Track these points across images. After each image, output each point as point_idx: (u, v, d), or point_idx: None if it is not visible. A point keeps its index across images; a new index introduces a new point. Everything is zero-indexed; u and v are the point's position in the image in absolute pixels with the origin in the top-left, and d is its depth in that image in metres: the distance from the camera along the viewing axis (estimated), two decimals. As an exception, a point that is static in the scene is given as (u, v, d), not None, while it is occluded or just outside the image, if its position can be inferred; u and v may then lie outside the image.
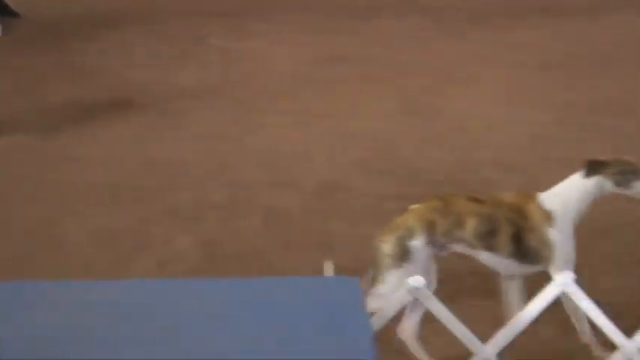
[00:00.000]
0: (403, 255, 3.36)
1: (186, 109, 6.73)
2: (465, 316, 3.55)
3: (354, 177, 5.39)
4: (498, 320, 3.19)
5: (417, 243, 3.36)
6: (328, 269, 3.48)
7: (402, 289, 2.29)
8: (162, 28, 9.64)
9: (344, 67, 8.03)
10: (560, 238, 3.42)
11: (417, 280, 2.29)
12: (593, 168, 3.57)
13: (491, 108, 6.81)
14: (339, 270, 3.58)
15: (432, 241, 3.39)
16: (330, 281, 2.27)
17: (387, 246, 3.40)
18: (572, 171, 3.75)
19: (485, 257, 3.48)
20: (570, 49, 8.67)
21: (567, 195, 3.61)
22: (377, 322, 2.25)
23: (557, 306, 3.13)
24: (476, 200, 3.52)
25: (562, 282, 2.39)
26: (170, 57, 8.37)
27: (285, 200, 5.04)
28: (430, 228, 3.41)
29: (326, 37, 9.33)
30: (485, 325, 3.12)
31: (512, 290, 3.50)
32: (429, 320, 3.14)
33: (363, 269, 4.31)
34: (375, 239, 3.47)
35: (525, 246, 3.41)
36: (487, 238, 3.44)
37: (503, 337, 2.37)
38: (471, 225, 3.42)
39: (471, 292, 4.08)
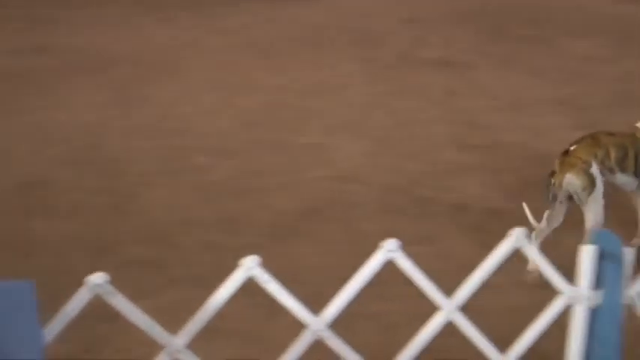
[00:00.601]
0: (591, 182, 4.29)
1: None
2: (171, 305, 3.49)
3: (59, 171, 5.13)
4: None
5: (596, 170, 4.30)
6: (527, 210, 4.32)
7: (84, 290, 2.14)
8: None
9: (47, 58, 7.67)
10: None
11: (100, 277, 2.15)
12: None
13: (202, 95, 6.75)
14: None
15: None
16: (4, 286, 2.09)
17: (578, 181, 4.28)
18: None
19: (620, 178, 4.44)
20: (282, 34, 8.80)
21: None
22: (55, 329, 2.09)
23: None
24: (611, 134, 4.48)
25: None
26: None
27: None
28: (595, 158, 4.35)
29: (26, 26, 8.88)
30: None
31: None
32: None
33: (70, 268, 4.12)
34: (556, 178, 4.31)
35: None
36: (621, 162, 4.43)
37: (194, 326, 2.29)
38: (613, 153, 4.39)
39: (178, 283, 4.00)
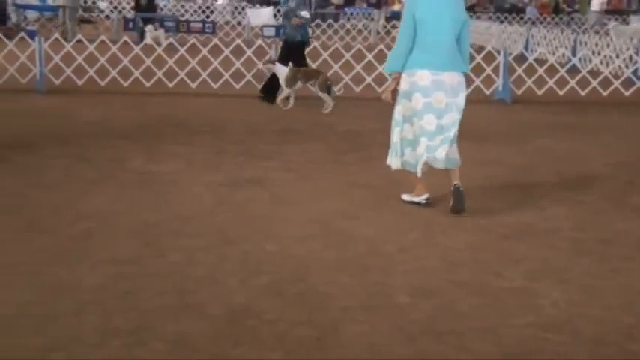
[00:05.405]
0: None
1: (94, 232, 6.58)
2: None
3: (265, 302, 5.27)
4: None
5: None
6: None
7: None
8: (80, 151, 9.58)
9: (259, 190, 8.02)
10: None
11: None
12: None
13: (405, 233, 6.82)
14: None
15: None
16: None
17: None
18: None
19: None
20: (487, 174, 8.77)
21: None
22: None
23: None
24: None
25: None
26: (85, 179, 8.27)
27: (193, 326, 4.88)
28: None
29: (242, 160, 9.36)
30: None
31: None
32: None
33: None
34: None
35: None
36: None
37: None
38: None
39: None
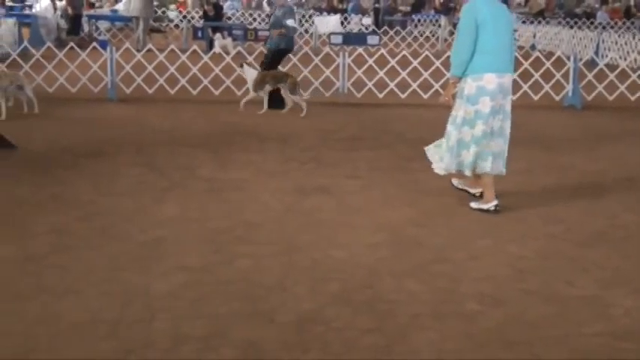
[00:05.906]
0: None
1: (165, 239, 6.67)
2: None
3: (334, 309, 5.28)
4: None
5: None
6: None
7: None
8: (151, 159, 9.72)
9: (327, 198, 8.04)
10: None
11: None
12: None
13: (474, 240, 6.77)
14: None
15: None
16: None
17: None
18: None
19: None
20: (558, 181, 8.65)
21: None
22: None
23: None
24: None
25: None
26: (156, 187, 8.39)
27: (262, 333, 4.92)
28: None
29: (310, 167, 9.39)
30: None
31: None
32: None
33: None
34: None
35: None
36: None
37: None
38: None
39: None
